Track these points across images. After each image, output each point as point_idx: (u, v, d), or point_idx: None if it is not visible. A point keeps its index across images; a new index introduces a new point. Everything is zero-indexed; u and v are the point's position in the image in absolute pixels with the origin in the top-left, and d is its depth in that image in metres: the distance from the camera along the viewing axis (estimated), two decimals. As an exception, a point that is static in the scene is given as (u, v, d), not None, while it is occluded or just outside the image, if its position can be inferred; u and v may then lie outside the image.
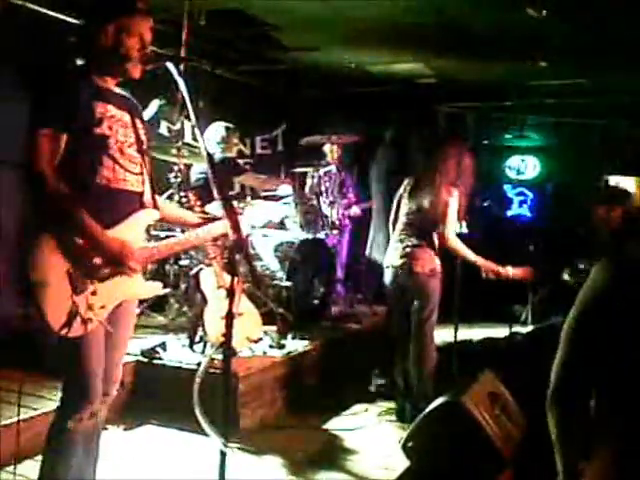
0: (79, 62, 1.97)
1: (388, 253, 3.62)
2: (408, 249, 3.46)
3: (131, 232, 1.96)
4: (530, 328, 5.54)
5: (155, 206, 2.08)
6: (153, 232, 3.56)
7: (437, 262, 3.45)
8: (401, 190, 3.66)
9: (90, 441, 2.01)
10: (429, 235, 3.46)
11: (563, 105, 6.53)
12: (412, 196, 3.56)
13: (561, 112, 6.79)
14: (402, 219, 3.58)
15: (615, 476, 1.31)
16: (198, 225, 2.17)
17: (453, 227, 3.42)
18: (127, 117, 2.00)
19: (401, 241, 3.52)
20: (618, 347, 1.34)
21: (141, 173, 2.02)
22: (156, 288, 2.11)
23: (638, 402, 1.30)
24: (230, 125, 4.46)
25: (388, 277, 3.57)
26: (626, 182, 7.63)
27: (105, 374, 1.97)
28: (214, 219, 2.17)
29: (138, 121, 2.05)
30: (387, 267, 3.58)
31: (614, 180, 7.54)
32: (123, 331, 2.06)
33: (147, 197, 2.06)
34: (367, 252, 6.38)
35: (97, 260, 1.85)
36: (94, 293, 1.86)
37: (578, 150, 7.01)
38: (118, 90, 2.02)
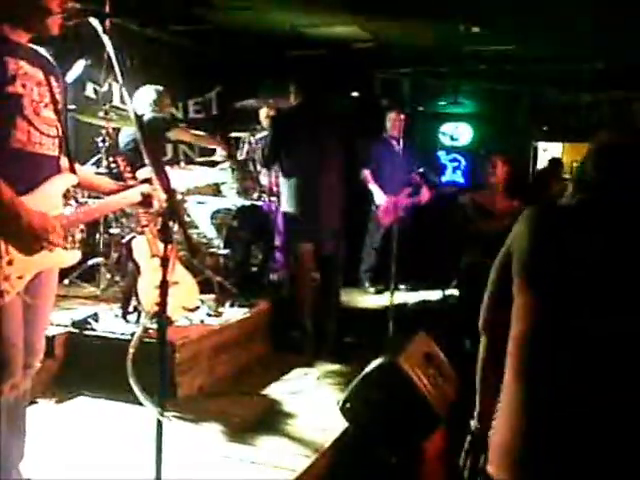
0: None
1: None
2: None
3: (48, 199, 1.86)
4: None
5: (72, 170, 1.98)
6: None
7: None
8: None
9: (13, 414, 1.94)
10: None
11: (496, 72, 6.64)
12: None
13: (494, 79, 6.91)
14: None
15: (519, 414, 1.37)
16: (114, 192, 2.11)
17: None
18: (41, 74, 1.87)
19: None
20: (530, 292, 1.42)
21: (57, 136, 1.91)
22: (75, 256, 2.02)
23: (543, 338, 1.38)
24: (161, 87, 4.30)
25: None
26: (553, 147, 7.92)
27: (27, 346, 1.90)
28: (131, 186, 2.12)
29: (53, 79, 1.92)
30: None
31: (542, 146, 7.80)
32: (43, 301, 1.98)
33: (63, 161, 1.96)
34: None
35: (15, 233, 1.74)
36: (10, 263, 1.75)
37: (509, 117, 7.18)
38: (30, 45, 1.88)
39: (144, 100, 4.24)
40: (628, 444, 1.30)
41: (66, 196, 2.00)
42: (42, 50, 1.93)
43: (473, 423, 1.58)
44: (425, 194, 5.52)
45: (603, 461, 1.30)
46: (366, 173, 5.44)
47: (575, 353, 1.34)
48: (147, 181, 2.16)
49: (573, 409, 1.32)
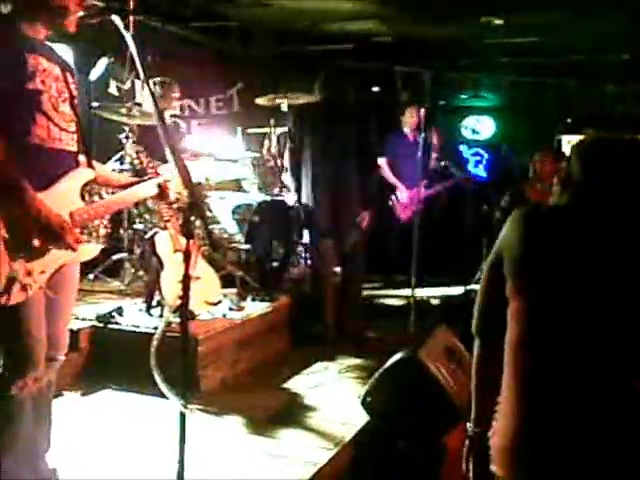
0: (4, 9, 1.83)
1: None
2: None
3: (66, 194, 1.89)
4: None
5: (90, 166, 2.01)
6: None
7: None
8: None
9: (39, 407, 1.98)
10: None
11: (518, 64, 6.57)
12: None
13: (516, 72, 6.83)
14: None
15: (520, 412, 1.37)
16: (128, 186, 2.14)
17: None
18: (58, 70, 1.89)
19: None
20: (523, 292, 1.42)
21: (75, 131, 1.94)
22: (95, 249, 2.06)
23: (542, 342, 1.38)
24: (167, 79, 4.32)
25: None
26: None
27: (51, 340, 1.94)
28: (144, 180, 2.16)
29: (69, 75, 1.95)
30: None
31: (567, 139, 7.69)
32: (66, 295, 2.02)
33: (81, 157, 1.99)
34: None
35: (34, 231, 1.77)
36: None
37: (532, 110, 7.09)
38: (47, 42, 1.91)
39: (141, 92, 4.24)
40: (629, 443, 1.30)
41: (90, 192, 2.03)
42: (59, 47, 1.96)
43: (470, 427, 1.57)
44: (448, 182, 5.50)
45: (604, 458, 1.30)
46: (383, 164, 5.43)
47: (574, 354, 1.34)
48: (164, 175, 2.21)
49: (573, 408, 1.32)
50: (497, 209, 4.73)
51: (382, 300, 5.29)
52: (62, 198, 1.86)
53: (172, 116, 4.36)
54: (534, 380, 1.37)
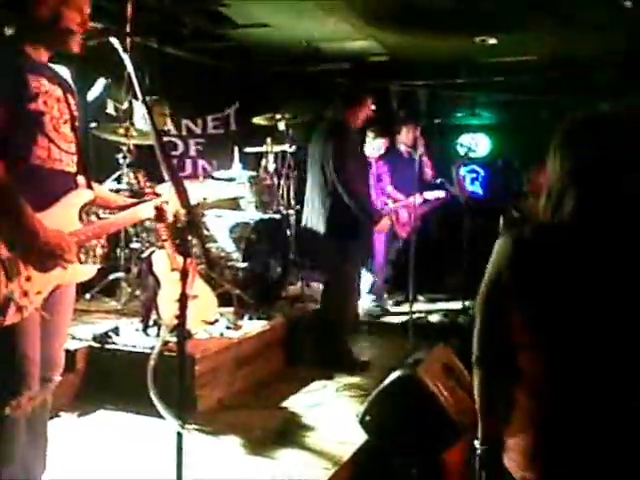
0: (9, 31, 1.85)
1: None
2: None
3: (65, 214, 1.90)
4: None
5: (89, 187, 2.02)
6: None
7: None
8: None
9: (34, 428, 1.96)
10: None
11: (513, 82, 6.63)
12: None
13: (511, 89, 6.89)
14: None
15: (532, 438, 1.39)
16: (128, 207, 2.15)
17: None
18: (59, 91, 1.91)
19: None
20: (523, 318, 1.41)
21: (75, 153, 1.95)
22: (92, 270, 2.06)
23: (552, 367, 1.38)
24: (156, 97, 4.35)
25: None
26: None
27: (46, 360, 1.93)
28: (142, 202, 2.17)
29: (70, 96, 1.97)
30: None
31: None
32: (62, 316, 2.01)
33: (80, 178, 2.00)
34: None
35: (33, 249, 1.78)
36: (28, 279, 1.79)
37: (528, 127, 7.14)
38: (49, 64, 1.93)
39: (137, 111, 4.27)
40: None
41: (88, 212, 2.04)
42: (59, 68, 1.99)
43: (479, 445, 1.57)
44: (440, 194, 5.54)
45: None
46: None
47: (595, 381, 1.34)
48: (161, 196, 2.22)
49: (592, 429, 1.34)
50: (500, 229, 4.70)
51: (380, 318, 5.29)
52: (61, 219, 1.86)
53: (165, 133, 4.39)
54: (553, 409, 1.38)
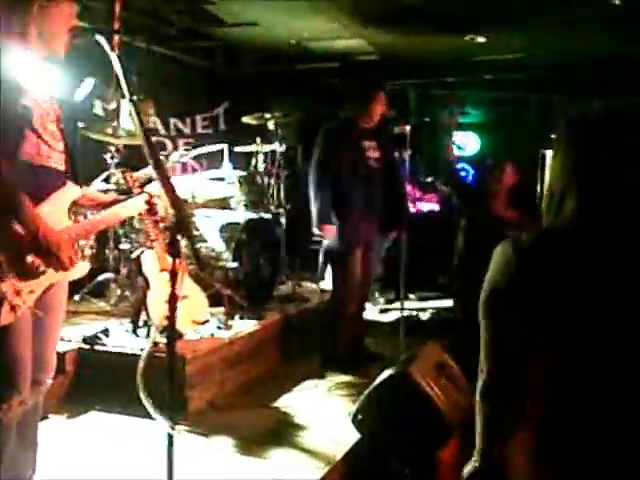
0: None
1: None
2: None
3: (54, 212, 1.88)
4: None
5: (77, 184, 2.01)
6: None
7: None
8: None
9: (24, 431, 1.95)
10: None
11: (502, 81, 6.66)
12: None
13: (500, 88, 6.92)
14: None
15: (532, 456, 1.32)
16: (114, 204, 2.14)
17: None
18: (46, 90, 1.90)
19: None
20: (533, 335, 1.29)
21: (64, 151, 1.94)
22: (84, 267, 2.04)
23: (560, 386, 1.31)
24: (141, 96, 4.32)
25: None
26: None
27: (38, 362, 1.91)
28: (127, 199, 2.16)
29: (55, 96, 1.96)
30: None
31: (550, 154, 7.74)
32: (54, 315, 2.00)
33: (68, 176, 1.99)
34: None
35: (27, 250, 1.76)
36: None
37: (517, 126, 7.17)
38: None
39: (123, 110, 4.24)
40: None
41: (76, 212, 2.02)
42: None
43: (478, 461, 1.42)
44: (432, 197, 5.53)
45: None
46: None
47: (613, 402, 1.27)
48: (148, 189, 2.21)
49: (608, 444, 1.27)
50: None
51: (372, 316, 5.29)
52: (51, 216, 1.84)
53: (154, 133, 4.36)
54: (558, 415, 1.31)
